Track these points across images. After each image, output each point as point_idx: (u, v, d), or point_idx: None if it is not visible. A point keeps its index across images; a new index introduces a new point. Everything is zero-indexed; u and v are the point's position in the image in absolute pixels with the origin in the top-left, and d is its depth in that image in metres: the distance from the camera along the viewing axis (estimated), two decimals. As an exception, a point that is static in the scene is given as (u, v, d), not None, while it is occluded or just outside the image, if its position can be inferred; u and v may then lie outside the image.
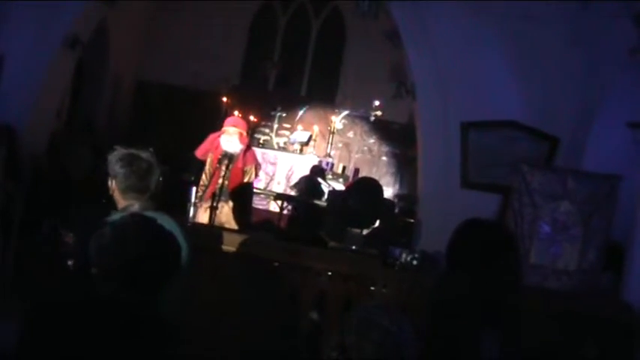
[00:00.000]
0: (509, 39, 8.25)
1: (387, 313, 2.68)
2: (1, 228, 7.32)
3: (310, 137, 12.52)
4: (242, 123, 8.20)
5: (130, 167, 3.78)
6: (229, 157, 7.60)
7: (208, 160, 8.02)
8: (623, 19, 7.49)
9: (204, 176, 8.01)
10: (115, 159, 3.82)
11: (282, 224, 9.94)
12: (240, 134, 7.85)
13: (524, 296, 3.21)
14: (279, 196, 10.56)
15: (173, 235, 2.91)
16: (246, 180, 7.94)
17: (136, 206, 3.61)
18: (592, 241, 6.17)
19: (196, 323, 4.84)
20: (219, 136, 7.91)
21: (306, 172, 11.01)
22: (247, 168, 7.95)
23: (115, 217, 3.37)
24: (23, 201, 7.52)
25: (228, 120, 8.26)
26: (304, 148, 12.42)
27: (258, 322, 2.52)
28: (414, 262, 5.24)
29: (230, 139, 7.74)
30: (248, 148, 8.12)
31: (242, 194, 7.68)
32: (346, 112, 13.08)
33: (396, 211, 9.95)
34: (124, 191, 3.73)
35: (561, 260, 6.18)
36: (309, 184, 10.55)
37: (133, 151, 3.89)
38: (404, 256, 5.32)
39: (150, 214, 3.19)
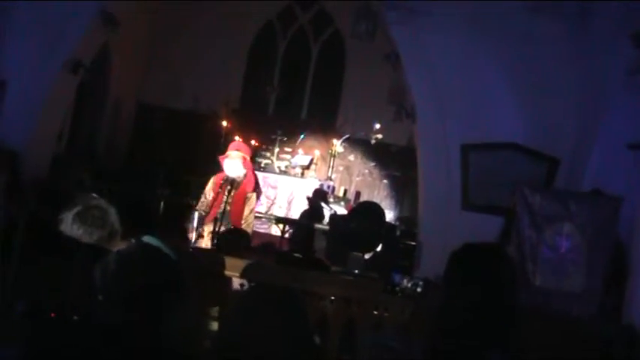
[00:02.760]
0: (509, 61, 8.29)
1: (398, 337, 2.69)
2: (3, 252, 7.31)
3: (311, 161, 12.55)
4: (245, 147, 8.15)
5: (86, 223, 3.67)
6: (231, 182, 7.57)
7: (209, 186, 7.97)
8: (621, 40, 7.53)
9: (200, 204, 7.91)
10: (70, 223, 3.69)
11: (284, 248, 9.92)
12: (244, 158, 7.80)
13: (529, 318, 3.21)
14: (280, 220, 10.56)
15: (177, 262, 2.92)
16: (247, 206, 7.87)
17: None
18: (596, 263, 6.15)
19: (197, 350, 4.83)
20: (222, 161, 7.87)
21: (308, 195, 11.00)
22: (249, 194, 7.89)
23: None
24: (25, 224, 7.50)
25: (232, 144, 8.22)
26: (305, 171, 12.44)
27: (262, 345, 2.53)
28: (418, 290, 5.23)
29: (232, 163, 7.69)
30: (252, 172, 8.07)
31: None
32: (347, 136, 13.10)
33: (398, 234, 9.95)
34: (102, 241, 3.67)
35: (566, 282, 6.16)
36: (310, 208, 10.56)
37: (79, 207, 3.74)
38: (405, 282, 5.32)
39: (153, 241, 3.19)
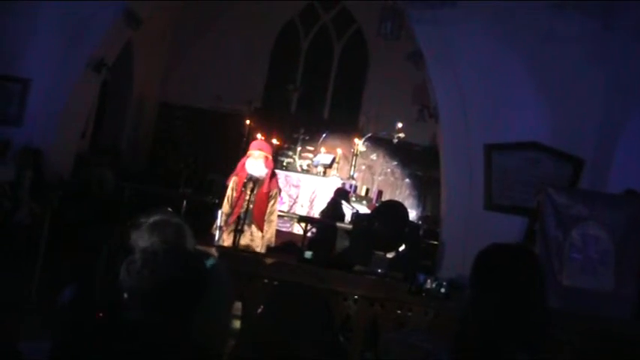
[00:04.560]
0: (533, 60, 8.24)
1: (425, 336, 2.67)
2: (28, 248, 7.38)
3: (333, 160, 12.51)
4: (267, 146, 8.13)
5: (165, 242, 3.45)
6: (254, 181, 7.56)
7: (231, 185, 7.97)
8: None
9: (225, 201, 7.93)
10: (147, 234, 3.47)
11: (306, 247, 9.90)
12: (266, 158, 7.79)
13: (557, 319, 3.18)
14: (302, 219, 10.54)
15: (202, 262, 2.92)
16: (270, 204, 7.87)
17: None
18: (625, 263, 6.11)
19: (222, 348, 4.83)
20: (244, 160, 7.86)
21: (330, 194, 10.98)
22: (272, 192, 7.89)
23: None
24: (49, 221, 7.56)
25: (254, 143, 8.20)
26: (327, 170, 12.41)
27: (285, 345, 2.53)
28: (442, 290, 5.20)
29: (255, 162, 7.67)
30: (273, 172, 8.05)
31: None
32: (369, 135, 13.07)
33: (420, 233, 9.92)
34: None
35: (594, 282, 6.12)
36: (332, 207, 10.54)
37: (156, 218, 3.55)
38: (429, 282, 5.30)
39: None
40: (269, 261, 5.65)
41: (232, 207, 7.70)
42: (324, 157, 12.56)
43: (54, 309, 3.31)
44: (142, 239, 3.27)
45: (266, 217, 7.82)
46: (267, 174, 7.78)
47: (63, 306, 3.24)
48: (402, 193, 13.63)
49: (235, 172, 7.94)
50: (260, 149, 7.88)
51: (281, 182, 9.01)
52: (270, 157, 8.02)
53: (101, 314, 2.97)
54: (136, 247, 2.99)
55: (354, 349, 5.37)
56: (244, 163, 7.83)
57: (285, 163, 12.79)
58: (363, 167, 13.62)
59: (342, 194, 10.86)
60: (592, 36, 8.04)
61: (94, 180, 10.00)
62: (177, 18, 13.60)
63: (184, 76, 13.97)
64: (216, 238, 7.14)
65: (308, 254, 6.52)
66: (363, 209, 10.68)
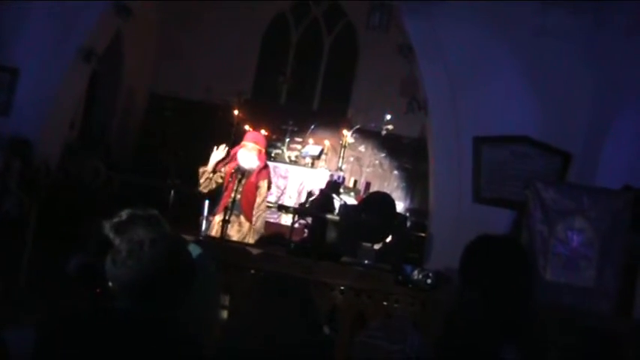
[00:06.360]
0: (523, 54, 8.25)
1: (381, 333, 2.64)
2: (16, 238, 7.36)
3: (322, 151, 12.51)
4: (262, 140, 8.07)
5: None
6: (242, 172, 7.54)
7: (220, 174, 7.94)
8: (636, 35, 7.49)
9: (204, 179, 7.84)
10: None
11: (294, 238, 9.91)
12: (259, 151, 7.76)
13: (541, 313, 3.19)
14: (288, 210, 10.55)
15: (188, 251, 2.92)
16: (259, 195, 7.84)
17: None
18: (608, 258, 6.13)
19: (208, 339, 4.84)
20: (236, 150, 7.81)
21: (319, 186, 10.99)
22: (261, 183, 7.86)
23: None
24: (37, 212, 7.55)
25: (249, 135, 8.15)
26: (316, 162, 12.41)
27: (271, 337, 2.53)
28: (428, 282, 5.24)
29: (248, 154, 7.65)
30: (264, 164, 8.01)
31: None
32: (358, 127, 13.06)
33: (408, 225, 9.93)
34: None
35: (577, 277, 6.14)
36: (322, 198, 10.55)
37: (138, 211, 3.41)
38: (416, 273, 5.32)
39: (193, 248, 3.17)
40: (256, 252, 5.66)
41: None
42: (312, 148, 12.57)
43: (65, 275, 3.28)
44: (126, 230, 3.26)
45: (255, 208, 7.81)
46: (257, 166, 7.76)
47: (72, 273, 3.22)
48: (390, 185, 13.64)
49: (226, 161, 7.91)
50: (254, 142, 7.85)
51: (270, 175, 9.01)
52: (264, 151, 8.00)
53: (98, 290, 2.97)
54: (121, 238, 2.99)
55: (342, 339, 5.38)
56: (236, 152, 7.81)
57: (273, 154, 12.77)
58: (352, 159, 13.61)
59: (333, 187, 10.87)
60: (583, 32, 8.04)
61: (87, 171, 9.97)
62: (167, 9, 13.54)
63: (174, 67, 13.90)
64: (203, 228, 7.14)
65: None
66: (351, 201, 10.69)
